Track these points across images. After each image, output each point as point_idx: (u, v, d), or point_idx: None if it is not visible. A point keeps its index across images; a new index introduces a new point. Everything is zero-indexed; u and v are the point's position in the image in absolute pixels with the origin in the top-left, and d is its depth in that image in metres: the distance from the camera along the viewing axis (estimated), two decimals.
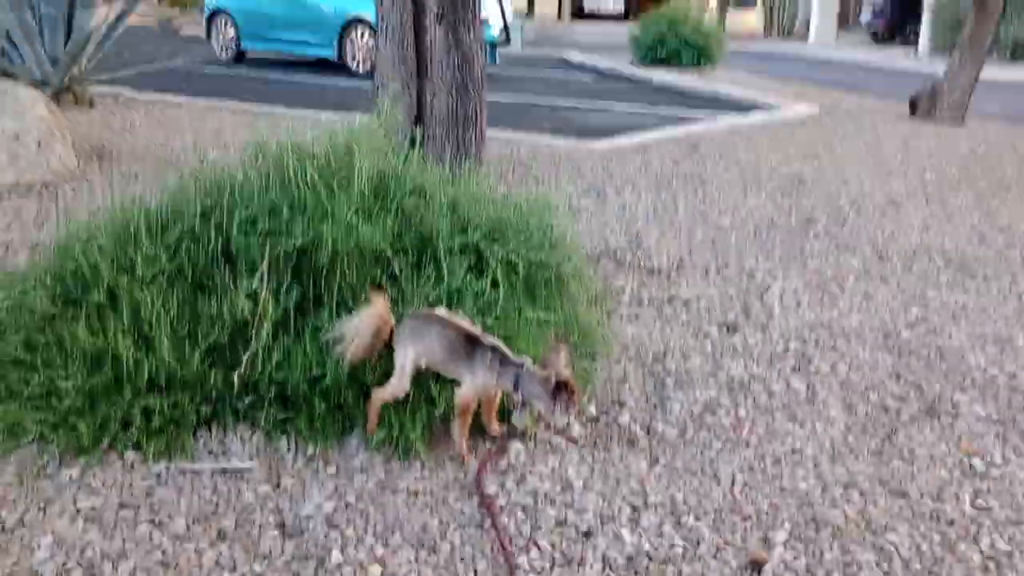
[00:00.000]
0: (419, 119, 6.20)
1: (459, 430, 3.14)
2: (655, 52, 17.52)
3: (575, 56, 19.81)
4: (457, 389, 3.11)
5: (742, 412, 3.60)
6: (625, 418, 3.50)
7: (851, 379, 3.92)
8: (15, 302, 3.46)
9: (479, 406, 3.19)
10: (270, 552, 2.65)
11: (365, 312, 3.11)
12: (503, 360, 3.04)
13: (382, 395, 3.12)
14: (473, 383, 3.06)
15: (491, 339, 3.12)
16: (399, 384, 3.11)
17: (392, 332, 3.16)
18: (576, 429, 3.37)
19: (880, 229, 6.13)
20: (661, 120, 10.86)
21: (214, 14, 17.06)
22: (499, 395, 3.23)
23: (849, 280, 5.11)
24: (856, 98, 13.84)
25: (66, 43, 9.09)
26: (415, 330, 3.13)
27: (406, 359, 3.11)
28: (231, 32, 16.87)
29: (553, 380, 2.93)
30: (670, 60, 17.34)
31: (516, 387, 3.03)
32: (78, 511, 2.78)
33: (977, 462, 3.34)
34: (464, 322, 3.18)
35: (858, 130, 10.52)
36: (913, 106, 12.09)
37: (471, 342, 3.08)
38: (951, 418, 3.64)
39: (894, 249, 5.69)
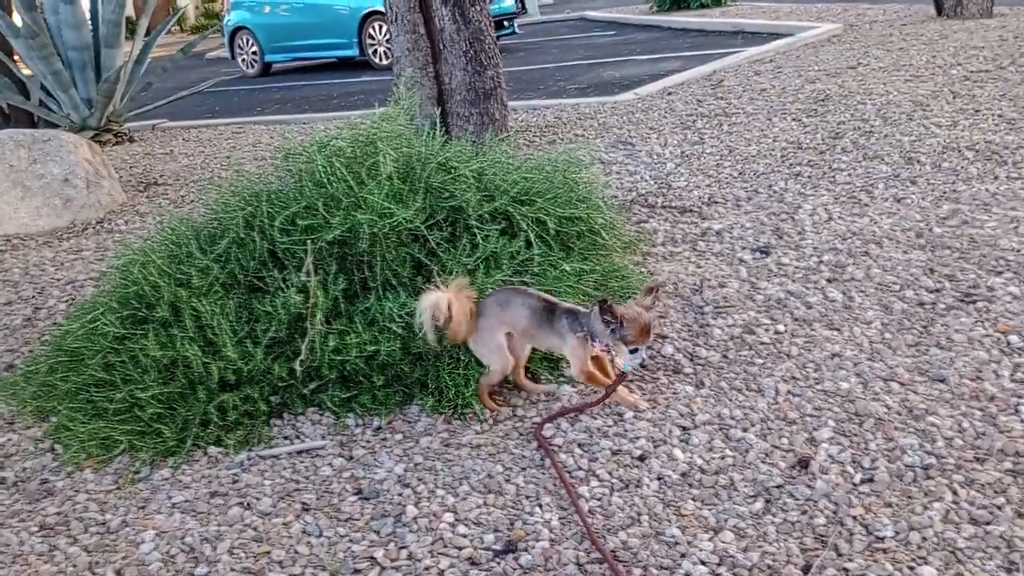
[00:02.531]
0: (440, 100, 6.38)
1: (606, 389, 3.26)
2: None
3: (594, 13, 19.77)
4: (567, 369, 3.36)
5: (780, 328, 3.72)
6: (669, 349, 3.65)
7: (886, 280, 4.02)
8: (89, 329, 3.73)
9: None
10: (351, 516, 2.87)
11: (430, 296, 3.22)
12: (576, 318, 3.19)
13: (489, 381, 3.34)
14: (573, 353, 3.21)
15: (565, 304, 3.28)
16: (502, 361, 3.29)
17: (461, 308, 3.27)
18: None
19: (907, 134, 6.14)
20: (684, 63, 10.88)
21: (235, 32, 17.42)
22: (601, 355, 3.30)
23: (878, 187, 5.17)
24: (881, 8, 13.65)
25: (97, 84, 9.42)
26: (499, 303, 3.31)
27: (496, 336, 3.28)
28: (253, 47, 17.21)
29: (608, 321, 3.04)
30: (690, 3, 17.25)
31: (591, 337, 3.16)
32: (174, 505, 3.03)
33: (1015, 338, 3.43)
34: (541, 292, 3.36)
35: (883, 40, 10.43)
36: (939, 5, 11.93)
37: (550, 310, 3.24)
38: (987, 302, 3.73)
39: (922, 150, 5.72)
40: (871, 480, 2.75)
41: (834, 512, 2.64)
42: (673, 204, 5.33)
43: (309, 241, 3.68)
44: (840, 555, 2.47)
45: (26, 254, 5.89)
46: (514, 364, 3.38)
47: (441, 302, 3.19)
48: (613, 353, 3.21)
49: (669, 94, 8.83)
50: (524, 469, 3.02)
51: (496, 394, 3.45)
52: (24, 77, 9.59)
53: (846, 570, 2.42)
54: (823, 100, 7.50)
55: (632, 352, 3.10)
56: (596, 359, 3.29)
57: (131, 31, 10.55)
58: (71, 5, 9.20)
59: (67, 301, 4.89)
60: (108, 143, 9.61)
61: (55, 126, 9.05)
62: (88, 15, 9.58)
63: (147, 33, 10.37)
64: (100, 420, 3.44)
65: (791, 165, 5.81)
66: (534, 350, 3.48)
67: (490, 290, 3.50)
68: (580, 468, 2.98)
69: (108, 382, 3.52)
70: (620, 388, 3.26)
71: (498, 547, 2.66)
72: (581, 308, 3.25)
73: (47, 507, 3.09)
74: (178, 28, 30.06)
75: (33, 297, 5.05)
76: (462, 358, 3.45)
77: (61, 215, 6.50)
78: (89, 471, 3.28)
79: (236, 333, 3.52)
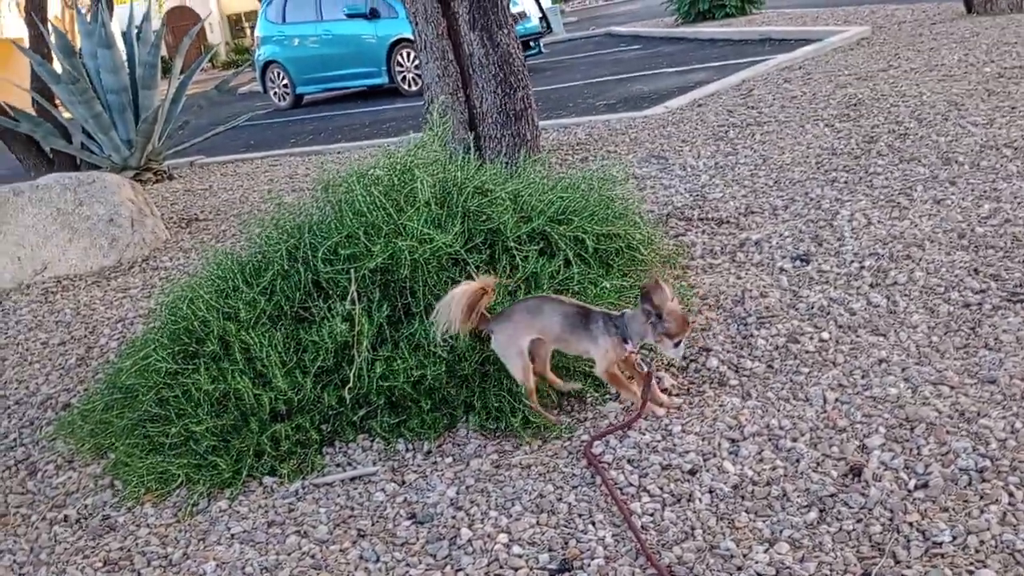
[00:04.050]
0: (472, 123, 6.44)
1: (628, 394, 3.37)
2: (697, 6, 17.43)
3: (619, 28, 19.83)
4: (595, 368, 3.38)
5: (825, 335, 3.72)
6: (713, 362, 3.65)
7: (930, 283, 3.99)
8: (141, 366, 3.81)
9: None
10: (406, 540, 2.91)
11: (457, 289, 3.35)
12: (611, 320, 3.28)
13: (527, 389, 3.39)
14: (605, 355, 3.30)
15: (598, 308, 3.39)
16: (521, 362, 3.36)
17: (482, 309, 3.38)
18: (667, 380, 3.54)
19: (943, 134, 6.10)
20: (712, 73, 10.88)
21: (266, 66, 17.70)
22: (631, 357, 3.37)
23: (917, 189, 5.14)
24: (910, 8, 13.55)
25: (136, 125, 9.62)
26: (530, 311, 3.39)
27: (519, 340, 3.35)
28: (284, 80, 17.48)
29: (648, 311, 3.16)
30: (715, 13, 17.26)
31: (625, 339, 3.26)
32: (232, 536, 3.09)
33: None
34: (572, 299, 3.47)
35: (913, 41, 10.36)
36: (968, 2, 11.83)
37: (584, 315, 3.33)
38: None
39: (959, 150, 5.68)
40: (926, 485, 2.73)
41: (890, 519, 2.63)
42: (710, 216, 5.34)
43: (352, 270, 3.74)
44: (898, 562, 2.47)
45: (76, 294, 6.02)
46: (539, 366, 3.46)
47: (456, 295, 3.30)
48: (639, 356, 3.34)
49: (699, 106, 8.83)
50: (575, 487, 3.04)
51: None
52: (65, 121, 9.81)
53: None
54: (855, 104, 7.46)
55: (676, 345, 3.24)
56: (626, 362, 3.36)
57: (166, 70, 10.76)
58: (109, 50, 9.42)
59: (118, 339, 4.99)
60: (149, 182, 9.80)
61: (97, 167, 9.25)
62: (125, 58, 9.79)
63: (181, 72, 10.57)
64: (157, 455, 3.52)
65: (827, 171, 5.79)
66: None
67: None
68: (631, 484, 3.00)
69: (163, 417, 3.60)
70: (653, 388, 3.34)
71: (554, 566, 2.68)
72: (614, 312, 3.34)
73: (110, 542, 3.17)
74: (210, 65, 30.55)
75: (85, 336, 5.16)
76: (505, 381, 3.48)
77: (108, 255, 6.64)
78: (149, 505, 3.36)
79: (285, 364, 3.58)
